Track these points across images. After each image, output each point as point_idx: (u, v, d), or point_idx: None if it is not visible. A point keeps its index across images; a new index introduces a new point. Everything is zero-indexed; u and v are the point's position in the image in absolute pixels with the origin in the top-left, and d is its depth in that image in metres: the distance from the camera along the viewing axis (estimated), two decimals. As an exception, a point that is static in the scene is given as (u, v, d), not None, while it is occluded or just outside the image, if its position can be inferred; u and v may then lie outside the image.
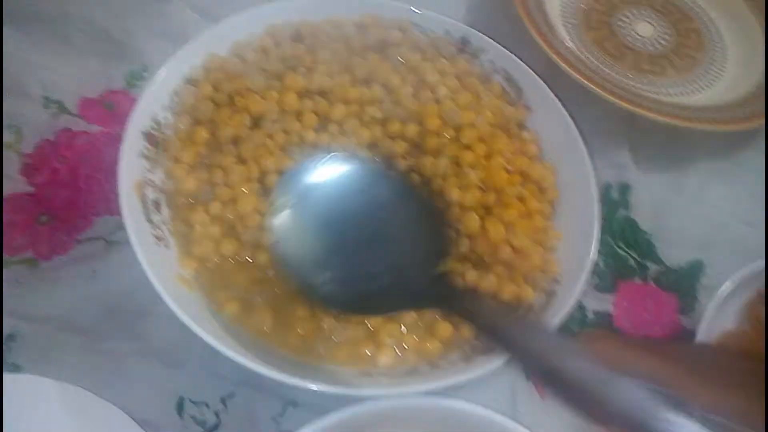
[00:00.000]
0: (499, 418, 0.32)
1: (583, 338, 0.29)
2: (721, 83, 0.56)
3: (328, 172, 0.39)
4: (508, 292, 0.38)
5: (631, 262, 0.47)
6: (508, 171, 0.41)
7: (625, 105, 0.48)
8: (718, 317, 0.41)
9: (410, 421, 0.33)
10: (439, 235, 0.38)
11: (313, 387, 0.31)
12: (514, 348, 0.31)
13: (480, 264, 0.38)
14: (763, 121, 0.51)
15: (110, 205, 0.38)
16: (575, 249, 0.39)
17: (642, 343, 0.41)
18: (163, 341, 0.37)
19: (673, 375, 0.31)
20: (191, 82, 0.40)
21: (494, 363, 0.33)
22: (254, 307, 0.36)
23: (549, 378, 0.29)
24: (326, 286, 0.35)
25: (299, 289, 0.36)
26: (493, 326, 0.32)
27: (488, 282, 0.37)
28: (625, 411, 0.26)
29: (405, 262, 0.37)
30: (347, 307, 0.35)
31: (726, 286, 0.41)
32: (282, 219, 0.37)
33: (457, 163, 0.40)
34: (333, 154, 0.39)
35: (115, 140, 0.36)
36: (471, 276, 0.37)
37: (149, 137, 0.37)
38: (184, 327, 0.32)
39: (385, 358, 0.35)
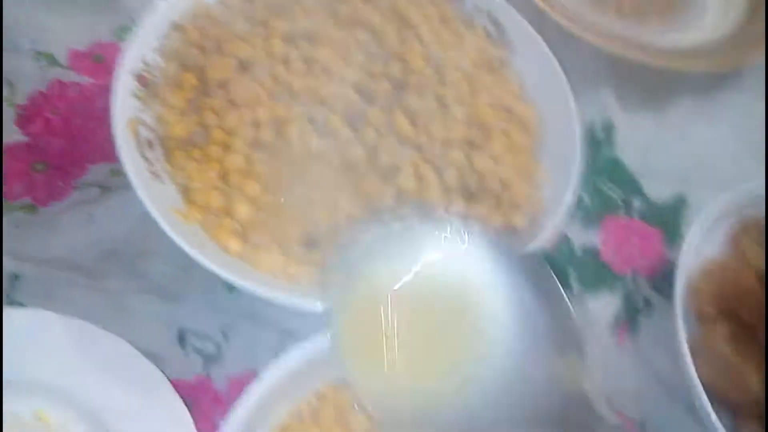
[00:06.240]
0: None
1: None
2: (701, 26, 0.57)
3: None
4: (497, 221, 0.39)
5: (616, 198, 0.48)
6: (492, 107, 0.42)
7: (608, 46, 0.49)
8: (701, 245, 0.43)
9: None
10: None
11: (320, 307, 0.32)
12: None
13: (467, 195, 0.39)
14: (741, 62, 0.52)
15: (104, 153, 0.39)
16: (559, 182, 0.40)
17: None
18: (163, 277, 0.38)
19: None
20: (178, 28, 0.41)
21: None
22: (258, 245, 0.36)
23: None
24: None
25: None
26: None
27: (477, 212, 0.38)
28: None
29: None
30: None
31: (707, 212, 0.42)
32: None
33: (440, 101, 0.41)
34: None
35: (106, 90, 0.37)
36: (458, 206, 0.38)
37: (140, 78, 0.38)
38: (182, 262, 0.33)
39: None
